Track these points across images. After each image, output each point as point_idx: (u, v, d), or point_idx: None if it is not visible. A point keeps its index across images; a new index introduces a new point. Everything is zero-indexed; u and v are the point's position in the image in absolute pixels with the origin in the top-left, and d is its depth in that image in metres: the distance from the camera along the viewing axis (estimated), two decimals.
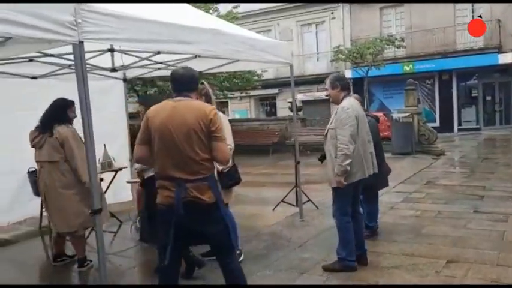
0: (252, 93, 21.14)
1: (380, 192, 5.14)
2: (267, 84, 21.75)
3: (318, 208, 6.28)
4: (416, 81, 14.57)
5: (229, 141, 3.76)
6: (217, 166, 3.75)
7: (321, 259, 4.32)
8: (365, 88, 19.48)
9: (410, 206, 6.37)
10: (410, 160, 11.43)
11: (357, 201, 4.21)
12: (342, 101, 4.01)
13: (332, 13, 22.68)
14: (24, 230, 6.13)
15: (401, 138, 12.31)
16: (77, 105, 3.92)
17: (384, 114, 14.28)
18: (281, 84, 22.49)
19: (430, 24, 20.21)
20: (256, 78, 18.88)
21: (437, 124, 20.14)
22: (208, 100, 4.03)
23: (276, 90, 23.84)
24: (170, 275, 2.99)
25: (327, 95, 4.20)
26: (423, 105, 18.90)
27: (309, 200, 6.44)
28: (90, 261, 4.47)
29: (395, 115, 12.78)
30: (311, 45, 23.82)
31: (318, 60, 23.68)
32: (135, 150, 3.00)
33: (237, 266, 3.07)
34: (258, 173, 10.59)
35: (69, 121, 4.48)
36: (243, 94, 20.49)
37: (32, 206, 5.76)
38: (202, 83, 4.17)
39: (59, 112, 4.43)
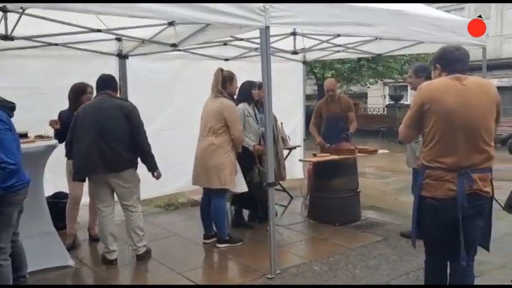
0: None
1: None
2: None
3: (502, 208, 5.52)
4: None
5: None
6: None
7: (501, 264, 3.88)
8: None
9: None
10: None
11: None
12: None
13: None
14: None
15: None
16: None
17: None
18: (470, 68, 20.08)
19: None
20: None
21: None
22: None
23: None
24: (442, 275, 2.75)
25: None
26: None
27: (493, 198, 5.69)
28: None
29: None
30: None
31: None
32: (403, 130, 2.71)
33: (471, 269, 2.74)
34: None
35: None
36: None
37: None
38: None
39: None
